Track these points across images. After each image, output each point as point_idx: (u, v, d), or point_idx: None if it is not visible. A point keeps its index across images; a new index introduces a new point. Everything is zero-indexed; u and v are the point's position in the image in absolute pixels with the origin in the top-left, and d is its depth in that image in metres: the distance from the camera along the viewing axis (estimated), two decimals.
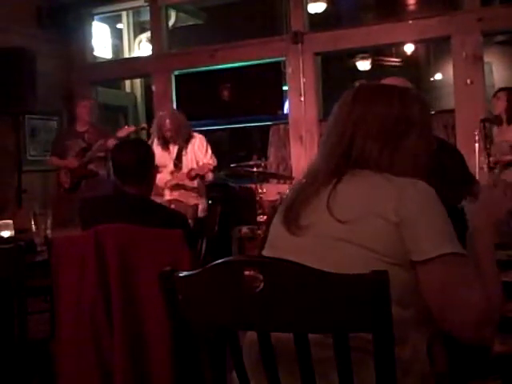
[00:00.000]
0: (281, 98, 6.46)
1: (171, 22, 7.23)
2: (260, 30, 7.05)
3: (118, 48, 8.33)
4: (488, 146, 4.46)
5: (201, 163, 4.82)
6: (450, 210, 1.18)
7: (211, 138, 5.41)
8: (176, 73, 6.59)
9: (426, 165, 1.28)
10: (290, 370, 1.05)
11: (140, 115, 8.27)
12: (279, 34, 6.28)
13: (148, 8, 6.73)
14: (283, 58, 6.09)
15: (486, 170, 4.44)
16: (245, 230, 5.37)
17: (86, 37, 6.98)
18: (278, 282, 1.01)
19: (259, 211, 5.18)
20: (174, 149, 4.84)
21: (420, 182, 1.18)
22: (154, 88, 6.68)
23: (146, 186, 2.49)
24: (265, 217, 5.00)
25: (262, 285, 1.00)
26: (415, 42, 7.26)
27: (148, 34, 7.57)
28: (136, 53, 8.09)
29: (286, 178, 5.83)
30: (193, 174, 4.76)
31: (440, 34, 5.51)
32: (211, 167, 4.85)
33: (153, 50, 6.93)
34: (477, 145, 4.57)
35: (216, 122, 7.07)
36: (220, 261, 1.07)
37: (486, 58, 5.82)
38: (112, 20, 8.08)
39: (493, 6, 5.76)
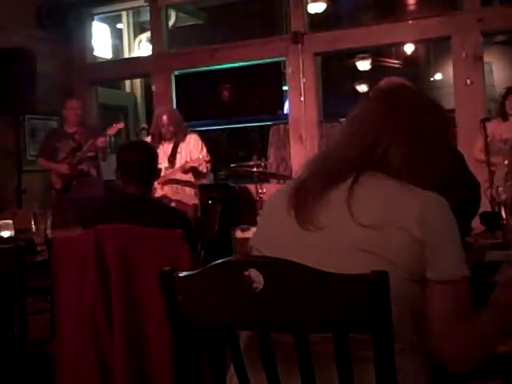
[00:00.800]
0: (281, 98, 6.46)
1: (171, 22, 7.23)
2: (260, 30, 7.06)
3: (117, 48, 8.33)
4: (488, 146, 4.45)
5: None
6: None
7: (211, 138, 5.42)
8: (176, 73, 6.60)
9: (444, 179, 1.25)
10: (289, 369, 1.05)
11: (140, 115, 8.27)
12: (279, 33, 6.28)
13: (148, 8, 6.74)
14: (283, 58, 6.09)
15: (485, 169, 4.43)
16: (245, 229, 5.37)
17: (86, 37, 6.98)
18: (278, 282, 1.01)
19: (259, 211, 5.17)
20: (168, 146, 4.86)
21: (441, 198, 1.16)
22: (153, 88, 6.68)
23: (147, 186, 2.52)
24: None
25: (262, 285, 1.00)
26: (415, 42, 7.27)
27: (148, 34, 7.57)
28: (136, 53, 8.10)
29: (286, 177, 5.83)
30: (187, 166, 4.76)
31: (440, 34, 5.52)
32: (207, 159, 4.84)
33: (153, 50, 6.93)
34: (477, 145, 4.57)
35: (216, 122, 7.08)
36: (220, 261, 1.07)
37: (486, 58, 5.82)
38: (112, 20, 8.09)
39: (493, 5, 5.76)
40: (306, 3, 6.12)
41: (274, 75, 6.42)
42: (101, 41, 7.79)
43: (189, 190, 4.88)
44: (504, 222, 2.09)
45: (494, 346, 1.15)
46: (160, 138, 4.84)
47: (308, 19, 6.08)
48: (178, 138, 4.84)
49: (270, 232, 1.27)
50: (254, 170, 5.09)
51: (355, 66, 9.73)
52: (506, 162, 4.43)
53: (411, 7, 8.90)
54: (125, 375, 2.06)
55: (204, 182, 5.35)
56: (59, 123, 6.42)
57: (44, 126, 6.33)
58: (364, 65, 9.65)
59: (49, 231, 2.72)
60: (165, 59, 6.56)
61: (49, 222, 2.75)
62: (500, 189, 2.16)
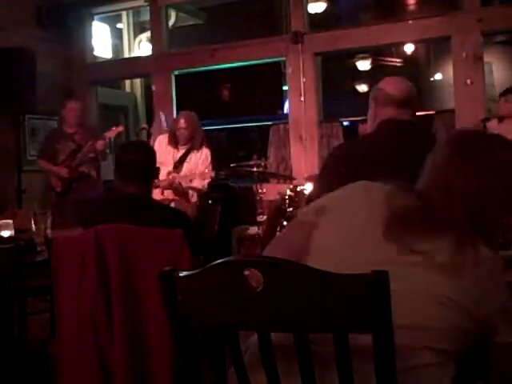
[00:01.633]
0: (281, 97, 6.47)
1: (171, 22, 7.23)
2: (260, 30, 7.06)
3: (117, 48, 8.33)
4: None
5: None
6: None
7: (211, 138, 5.40)
8: (176, 73, 6.59)
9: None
10: (289, 369, 1.05)
11: (140, 115, 8.27)
12: (279, 34, 6.28)
13: (148, 8, 6.73)
14: (283, 58, 6.09)
15: None
16: (244, 229, 5.37)
17: (85, 37, 6.97)
18: (279, 282, 1.01)
19: (259, 211, 5.17)
20: (179, 152, 4.84)
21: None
22: (153, 88, 6.67)
23: (147, 186, 2.51)
24: (265, 217, 5.00)
25: (262, 285, 1.00)
26: (415, 42, 7.27)
27: (148, 34, 7.57)
28: (136, 53, 8.10)
29: (286, 177, 5.83)
30: (186, 186, 4.72)
31: (440, 34, 5.51)
32: (208, 180, 4.82)
33: (153, 49, 6.93)
34: None
35: (216, 122, 7.08)
36: (220, 261, 1.07)
37: (486, 58, 5.82)
38: (112, 20, 8.09)
39: (493, 5, 5.76)
40: (306, 3, 6.12)
41: (274, 75, 6.42)
42: (101, 41, 7.79)
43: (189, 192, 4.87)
44: (504, 221, 2.09)
45: None
46: (173, 141, 4.83)
47: (308, 19, 6.07)
48: (191, 146, 4.82)
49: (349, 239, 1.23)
50: (254, 169, 5.09)
51: (355, 66, 9.74)
52: None
53: (411, 7, 8.90)
54: (125, 375, 2.06)
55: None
56: (59, 123, 6.42)
57: (44, 126, 6.32)
58: (364, 65, 9.66)
59: (49, 231, 2.72)
60: (165, 59, 6.56)
61: (49, 222, 2.74)
62: None
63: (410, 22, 5.62)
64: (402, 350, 1.04)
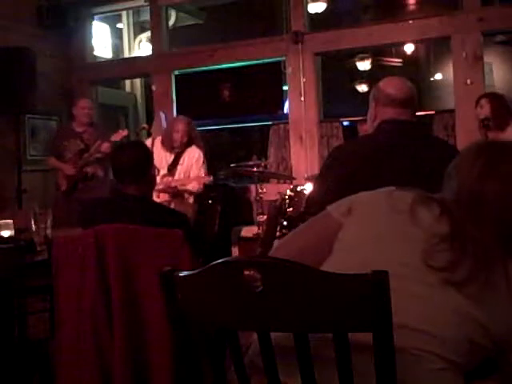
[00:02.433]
0: (281, 97, 6.46)
1: (171, 22, 7.23)
2: (260, 30, 7.06)
3: (118, 48, 8.33)
4: None
5: (192, 175, 4.83)
6: None
7: (211, 138, 5.40)
8: (176, 73, 6.59)
9: None
10: (289, 369, 1.05)
11: (140, 115, 8.26)
12: (279, 34, 6.27)
13: (148, 8, 6.73)
14: (283, 58, 6.09)
15: None
16: (244, 229, 5.37)
17: (86, 37, 6.97)
18: (278, 282, 1.01)
19: (259, 211, 5.17)
20: (171, 155, 4.85)
21: None
22: (153, 88, 6.67)
23: (145, 186, 2.51)
24: (265, 217, 5.00)
25: (261, 285, 1.00)
26: (415, 42, 7.27)
27: (148, 34, 7.57)
28: (136, 53, 8.09)
29: (286, 177, 5.83)
30: (181, 188, 4.74)
31: (440, 34, 5.51)
32: (201, 184, 4.82)
33: (153, 49, 6.92)
34: None
35: (216, 122, 7.07)
36: (220, 261, 1.07)
37: (486, 58, 5.82)
38: (112, 20, 8.08)
39: (493, 5, 5.75)
40: (306, 3, 6.11)
41: (274, 75, 6.41)
42: (101, 40, 7.78)
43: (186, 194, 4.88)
44: None
45: None
46: (169, 145, 4.82)
47: (308, 19, 6.07)
48: (184, 148, 4.83)
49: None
50: (254, 169, 5.09)
51: (355, 66, 9.73)
52: None
53: (411, 7, 8.90)
54: (125, 375, 2.07)
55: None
56: (59, 123, 6.42)
57: (44, 126, 6.32)
58: (364, 65, 9.65)
59: (49, 231, 2.72)
60: (165, 59, 6.55)
61: (49, 222, 2.74)
62: None
63: (410, 21, 5.62)
64: (409, 352, 1.06)
